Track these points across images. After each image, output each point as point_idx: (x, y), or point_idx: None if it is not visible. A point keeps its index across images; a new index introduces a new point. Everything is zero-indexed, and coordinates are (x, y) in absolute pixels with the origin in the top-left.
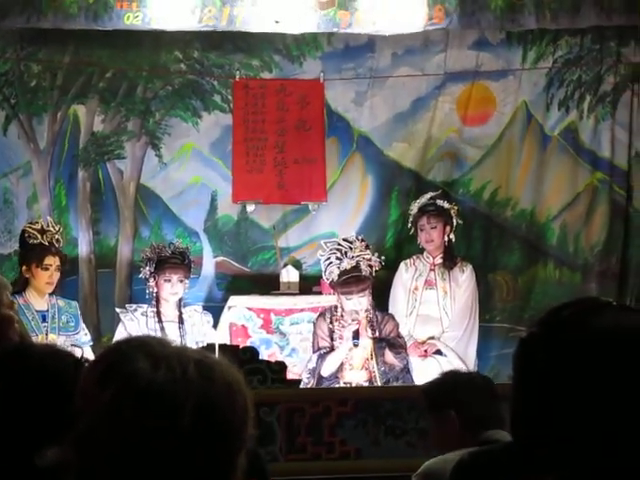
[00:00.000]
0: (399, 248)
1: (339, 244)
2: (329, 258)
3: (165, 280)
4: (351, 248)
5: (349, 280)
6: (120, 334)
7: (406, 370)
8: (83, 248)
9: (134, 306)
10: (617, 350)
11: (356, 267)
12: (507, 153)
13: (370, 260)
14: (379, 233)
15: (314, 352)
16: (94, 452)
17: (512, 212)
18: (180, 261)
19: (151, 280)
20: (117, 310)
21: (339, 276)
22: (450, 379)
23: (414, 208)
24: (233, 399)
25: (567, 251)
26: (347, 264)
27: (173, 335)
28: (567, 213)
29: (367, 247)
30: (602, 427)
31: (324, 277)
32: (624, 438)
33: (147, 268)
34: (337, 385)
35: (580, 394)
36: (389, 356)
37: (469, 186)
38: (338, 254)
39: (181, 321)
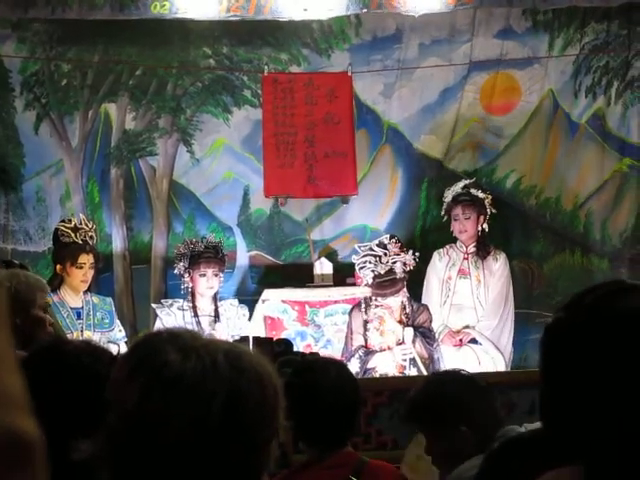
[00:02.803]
0: (429, 239)
1: (372, 249)
2: (363, 263)
3: (200, 275)
4: (385, 253)
5: (384, 284)
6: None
7: (436, 361)
8: (117, 244)
9: (170, 301)
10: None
11: (390, 270)
12: (532, 142)
13: (405, 260)
14: (409, 225)
15: (348, 344)
16: (126, 444)
17: (536, 200)
18: (214, 255)
19: (186, 275)
20: (153, 305)
21: (373, 279)
22: (452, 385)
23: (448, 196)
24: (263, 389)
25: (594, 238)
26: (381, 269)
27: (209, 329)
28: (594, 200)
29: (401, 247)
30: (630, 412)
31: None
32: None
33: (181, 263)
34: (371, 376)
35: (607, 378)
36: (420, 346)
37: (492, 175)
38: (372, 259)
39: (217, 315)
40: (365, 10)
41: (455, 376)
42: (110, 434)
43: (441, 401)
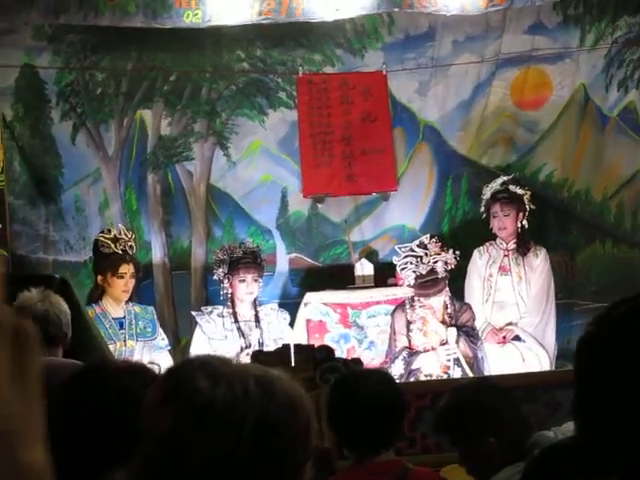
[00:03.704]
0: (459, 236)
1: (413, 249)
2: (404, 264)
3: (240, 281)
4: (426, 253)
5: (426, 284)
6: (198, 336)
7: (480, 360)
8: (157, 251)
9: (210, 308)
10: None
11: (432, 270)
12: (563, 136)
13: (446, 260)
14: (441, 223)
15: (391, 346)
16: (159, 471)
17: (568, 193)
18: (252, 260)
19: (225, 281)
20: (193, 313)
21: (415, 279)
22: (477, 395)
23: (486, 193)
24: (294, 414)
25: (624, 228)
26: (423, 269)
27: (251, 334)
28: (624, 191)
29: (442, 247)
30: None
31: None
32: None
33: (220, 270)
34: (416, 377)
35: (636, 392)
36: (464, 345)
37: (524, 169)
38: (413, 260)
39: (257, 320)
40: (397, 9)
41: (481, 386)
42: (144, 461)
43: (467, 413)
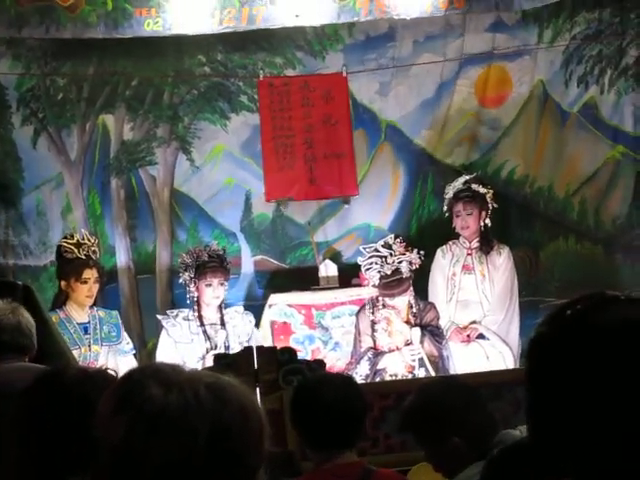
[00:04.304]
0: (426, 234)
1: (377, 250)
2: (369, 264)
3: (206, 285)
4: (391, 254)
5: (391, 284)
6: (164, 340)
7: (445, 359)
8: (121, 256)
9: (175, 311)
10: (621, 346)
11: (397, 270)
12: (524, 132)
13: (411, 260)
14: (411, 221)
15: (356, 346)
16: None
17: (530, 190)
18: (219, 264)
19: (191, 285)
20: (158, 317)
21: (380, 280)
22: (442, 395)
23: (449, 192)
24: (247, 419)
25: (587, 225)
26: (387, 269)
27: (216, 337)
28: (587, 188)
29: (406, 247)
30: (612, 427)
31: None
32: (635, 438)
33: (186, 274)
34: (382, 377)
35: (588, 394)
36: (429, 345)
37: (487, 167)
38: (378, 260)
39: (223, 323)
40: (356, 18)
41: (446, 385)
42: (98, 471)
43: (431, 413)
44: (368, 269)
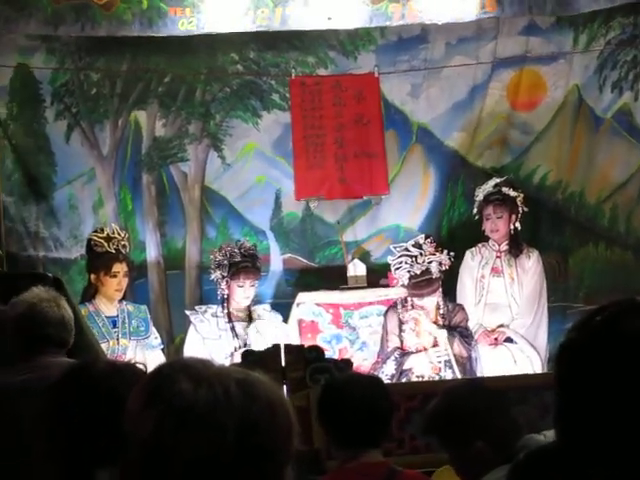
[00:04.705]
0: (457, 236)
1: (408, 249)
2: (399, 263)
3: (238, 286)
4: (421, 253)
5: (420, 284)
6: (192, 336)
7: (474, 360)
8: (151, 251)
9: (204, 307)
10: None
11: (427, 270)
12: (558, 137)
13: (441, 260)
14: (442, 223)
15: (383, 346)
16: (141, 474)
17: (562, 195)
18: (252, 265)
19: (223, 283)
20: (187, 312)
21: (409, 279)
22: (466, 399)
23: (479, 195)
24: (275, 415)
25: (618, 231)
26: (417, 269)
27: (244, 334)
28: (618, 194)
29: (437, 247)
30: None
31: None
32: None
33: (218, 272)
34: (408, 377)
35: (618, 400)
36: (458, 346)
37: (519, 171)
38: (408, 259)
39: (251, 320)
40: (388, 23)
41: (471, 388)
42: (128, 465)
43: (456, 416)
44: (398, 268)
